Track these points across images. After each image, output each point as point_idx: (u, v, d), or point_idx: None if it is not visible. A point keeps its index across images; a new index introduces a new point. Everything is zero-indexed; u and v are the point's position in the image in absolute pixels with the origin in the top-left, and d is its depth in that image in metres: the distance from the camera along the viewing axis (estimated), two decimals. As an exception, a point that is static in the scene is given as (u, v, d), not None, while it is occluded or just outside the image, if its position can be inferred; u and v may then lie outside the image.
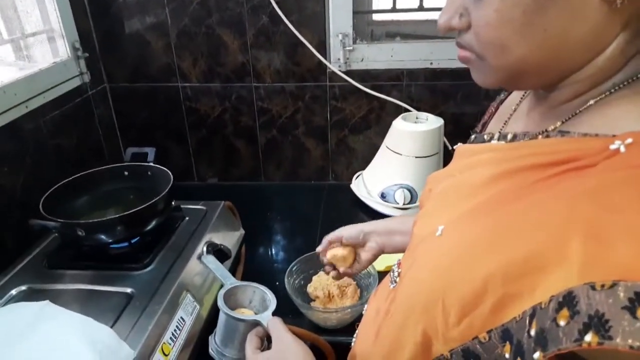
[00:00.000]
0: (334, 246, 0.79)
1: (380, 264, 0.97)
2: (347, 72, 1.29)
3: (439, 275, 0.44)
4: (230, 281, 0.77)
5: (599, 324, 0.28)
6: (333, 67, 1.28)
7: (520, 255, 0.36)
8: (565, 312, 0.31)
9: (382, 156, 1.29)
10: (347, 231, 0.79)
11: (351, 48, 1.26)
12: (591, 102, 0.41)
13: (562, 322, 0.31)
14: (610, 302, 0.28)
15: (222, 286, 0.75)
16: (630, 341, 0.27)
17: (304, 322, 0.94)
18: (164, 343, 0.76)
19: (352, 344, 0.69)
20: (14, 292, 0.84)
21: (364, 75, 1.30)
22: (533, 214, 0.38)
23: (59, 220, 0.84)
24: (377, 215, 1.24)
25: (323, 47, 1.28)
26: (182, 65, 1.33)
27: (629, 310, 0.27)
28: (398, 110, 1.32)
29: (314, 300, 0.96)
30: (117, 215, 0.86)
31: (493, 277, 0.37)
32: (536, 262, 0.34)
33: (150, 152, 1.06)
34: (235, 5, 1.24)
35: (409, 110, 1.31)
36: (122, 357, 0.67)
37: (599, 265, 0.30)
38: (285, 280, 0.94)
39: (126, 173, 1.05)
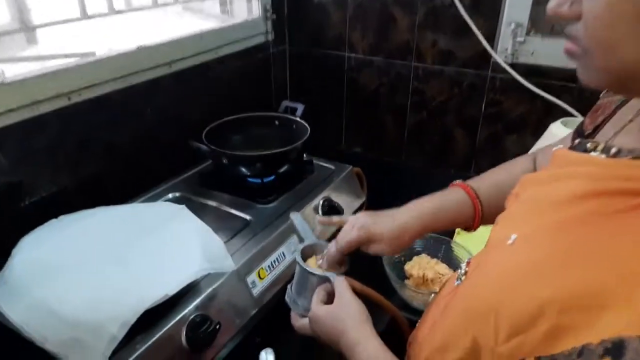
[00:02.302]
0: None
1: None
2: (512, 65, 1.22)
3: (498, 286, 0.43)
4: (311, 239, 0.76)
5: None
6: (498, 57, 1.22)
7: (583, 287, 0.35)
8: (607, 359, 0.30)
9: (530, 160, 1.20)
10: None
11: (522, 40, 1.18)
12: None
13: None
14: None
15: (302, 242, 0.76)
16: None
17: (395, 298, 0.97)
18: (262, 268, 0.88)
19: (417, 325, 0.70)
20: (170, 195, 1.05)
21: (531, 71, 1.21)
22: (608, 247, 0.35)
23: (211, 146, 1.01)
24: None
25: (492, 35, 1.22)
26: (353, 36, 1.41)
27: None
28: (563, 115, 1.20)
29: (408, 279, 0.98)
30: (254, 154, 0.99)
31: (551, 303, 0.36)
32: (598, 299, 0.33)
33: (300, 107, 1.18)
34: (412, -17, 1.27)
35: (574, 117, 1.18)
36: (225, 267, 0.81)
37: None
38: (385, 251, 0.98)
39: (277, 122, 1.19)
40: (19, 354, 0.68)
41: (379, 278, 0.98)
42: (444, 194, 0.72)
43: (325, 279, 0.67)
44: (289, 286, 0.74)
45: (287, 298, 0.72)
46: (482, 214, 0.71)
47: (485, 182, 0.74)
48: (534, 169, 0.73)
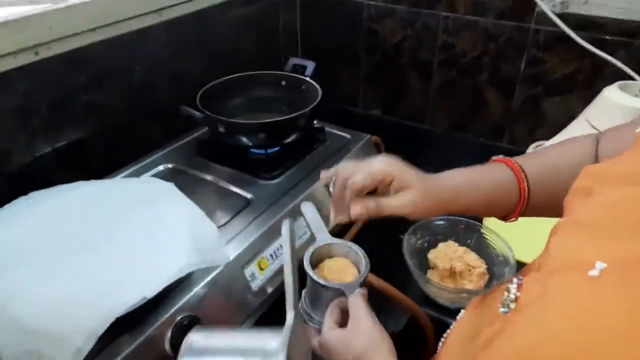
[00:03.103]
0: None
1: (523, 252, 0.81)
2: (561, 15, 1.03)
3: (587, 345, 0.30)
4: (323, 237, 0.64)
5: None
6: (545, 6, 1.03)
7: None
8: None
9: (576, 129, 1.04)
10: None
11: (576, -16, 0.99)
12: None
13: None
14: None
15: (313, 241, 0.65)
16: None
17: (412, 288, 0.85)
18: (263, 258, 0.76)
19: (439, 348, 0.58)
20: (161, 167, 0.92)
21: (583, 23, 1.02)
22: None
23: (205, 112, 0.87)
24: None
25: (539, -21, 1.03)
26: (373, -20, 1.23)
27: None
28: (618, 77, 1.03)
29: (432, 269, 0.85)
30: (256, 122, 0.85)
31: None
32: None
33: (310, 65, 1.02)
34: None
35: (633, 79, 1.01)
36: (217, 259, 0.68)
37: None
38: (406, 236, 0.85)
39: (284, 83, 1.03)
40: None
41: (396, 267, 0.86)
42: (482, 167, 0.58)
43: (341, 292, 0.55)
44: (303, 291, 0.62)
45: (299, 309, 0.60)
46: (528, 201, 0.56)
47: (535, 161, 0.58)
48: (595, 154, 0.57)
